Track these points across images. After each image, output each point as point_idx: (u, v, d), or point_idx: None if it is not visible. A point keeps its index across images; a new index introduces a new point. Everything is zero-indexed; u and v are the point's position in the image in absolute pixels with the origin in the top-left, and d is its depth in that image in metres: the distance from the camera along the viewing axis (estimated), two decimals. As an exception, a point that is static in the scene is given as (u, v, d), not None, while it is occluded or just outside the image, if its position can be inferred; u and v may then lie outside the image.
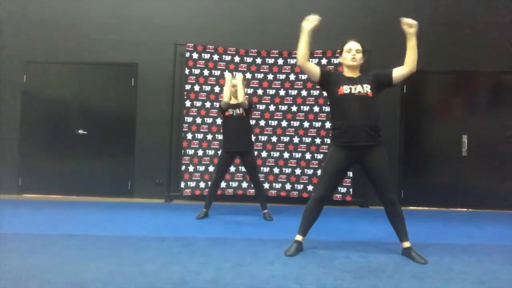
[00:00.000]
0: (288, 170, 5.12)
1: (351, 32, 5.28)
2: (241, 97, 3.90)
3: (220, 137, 4.69)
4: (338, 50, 4.98)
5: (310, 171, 5.08)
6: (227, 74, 4.12)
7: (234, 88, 4.00)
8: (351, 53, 2.85)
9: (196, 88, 5.15)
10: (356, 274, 2.44)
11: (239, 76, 4.03)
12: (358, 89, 2.77)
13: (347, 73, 2.88)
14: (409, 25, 2.84)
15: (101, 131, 5.37)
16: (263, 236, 3.38)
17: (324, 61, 5.11)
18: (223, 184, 4.98)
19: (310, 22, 2.89)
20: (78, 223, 3.70)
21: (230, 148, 3.98)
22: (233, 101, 4.03)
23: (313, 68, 2.86)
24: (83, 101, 5.38)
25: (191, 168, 5.08)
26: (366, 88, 2.78)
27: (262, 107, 5.18)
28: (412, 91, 5.29)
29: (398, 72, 2.88)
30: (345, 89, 2.78)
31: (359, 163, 2.85)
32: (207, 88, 5.16)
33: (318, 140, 5.11)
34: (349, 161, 2.83)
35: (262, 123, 5.17)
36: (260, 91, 5.19)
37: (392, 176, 2.84)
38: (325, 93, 4.99)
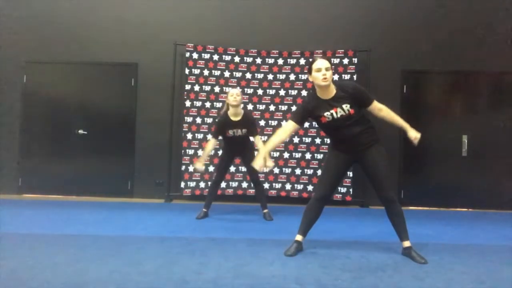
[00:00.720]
0: (288, 170, 5.12)
1: (351, 32, 5.31)
2: (203, 161, 3.85)
3: (219, 137, 4.67)
4: (340, 51, 5.06)
5: (310, 171, 5.08)
6: (197, 164, 3.87)
7: (233, 98, 3.74)
8: (321, 73, 2.66)
9: (196, 88, 5.15)
10: (356, 274, 2.44)
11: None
12: (339, 112, 2.69)
13: (322, 94, 2.73)
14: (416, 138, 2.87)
15: (101, 131, 5.37)
16: (263, 236, 3.38)
17: (324, 61, 5.10)
18: (223, 184, 4.97)
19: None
20: (78, 223, 3.70)
21: (231, 152, 4.04)
22: (233, 117, 3.83)
23: (291, 130, 2.81)
24: (83, 101, 5.38)
25: (191, 168, 5.08)
26: (346, 108, 2.68)
27: (262, 107, 5.18)
28: (412, 91, 5.29)
29: (376, 109, 2.79)
30: (327, 116, 2.71)
31: (358, 163, 2.87)
32: (207, 88, 5.16)
33: (318, 140, 5.11)
34: (348, 162, 2.87)
35: (262, 123, 5.17)
36: (260, 91, 5.19)
37: (391, 175, 2.84)
38: None
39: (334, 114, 2.70)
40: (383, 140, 2.89)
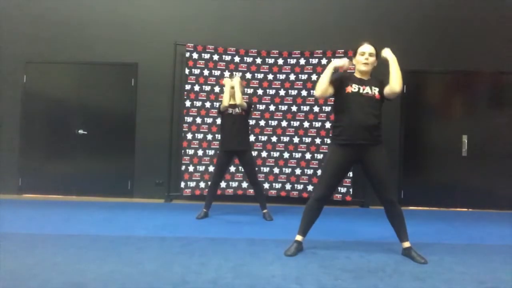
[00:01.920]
0: (288, 170, 5.12)
1: (351, 32, 5.30)
2: (239, 100, 3.93)
3: (219, 136, 4.68)
4: (340, 51, 5.06)
5: (310, 171, 5.08)
6: (226, 79, 4.13)
7: (233, 89, 4.02)
8: (364, 57, 2.84)
9: (196, 88, 5.15)
10: (356, 274, 2.44)
11: (237, 78, 4.06)
12: (366, 90, 2.79)
13: (358, 74, 2.89)
14: (382, 55, 2.85)
15: (101, 131, 5.37)
16: (263, 236, 3.38)
17: (324, 61, 5.11)
18: (223, 184, 4.98)
19: (340, 63, 2.85)
20: (78, 223, 3.70)
21: (227, 147, 4.00)
22: (232, 101, 4.05)
23: (330, 93, 2.86)
24: (83, 101, 5.38)
25: (191, 168, 5.08)
26: (374, 90, 2.80)
27: (262, 107, 5.18)
28: (412, 91, 5.29)
29: (386, 90, 2.83)
30: (354, 87, 2.79)
31: (359, 163, 2.86)
32: (207, 88, 5.16)
33: (318, 140, 5.11)
34: (349, 161, 2.84)
35: (262, 123, 5.17)
36: (260, 91, 5.19)
37: (391, 176, 2.84)
38: None
39: (361, 90, 2.79)
40: (383, 141, 2.88)
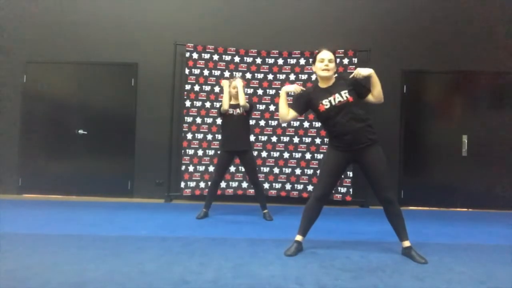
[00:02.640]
0: (288, 170, 5.12)
1: (351, 32, 5.31)
2: (243, 101, 3.91)
3: (220, 137, 4.68)
4: (340, 51, 5.06)
5: (310, 171, 5.08)
6: (224, 81, 4.08)
7: (234, 90, 4.00)
8: (324, 63, 2.80)
9: (196, 88, 5.15)
10: (356, 274, 2.44)
11: (239, 80, 4.04)
12: (337, 98, 2.75)
13: (322, 83, 2.87)
14: (362, 74, 2.78)
15: (101, 131, 5.37)
16: (263, 236, 3.38)
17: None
18: (223, 184, 4.98)
19: (289, 88, 2.93)
20: (78, 223, 3.70)
21: (229, 147, 3.99)
22: (233, 101, 4.04)
23: (293, 116, 2.91)
24: (83, 101, 5.38)
25: (191, 168, 5.08)
26: (345, 95, 2.76)
27: (262, 107, 5.18)
28: (412, 91, 5.29)
29: (369, 98, 2.86)
30: (325, 103, 2.77)
31: (357, 163, 2.86)
32: (207, 88, 5.16)
33: (318, 140, 5.11)
34: (346, 161, 2.85)
35: (262, 123, 5.17)
36: (260, 91, 5.19)
37: (389, 175, 2.83)
38: None
39: (332, 101, 2.76)
40: (383, 140, 2.89)
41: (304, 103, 2.89)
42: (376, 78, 2.80)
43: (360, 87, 2.84)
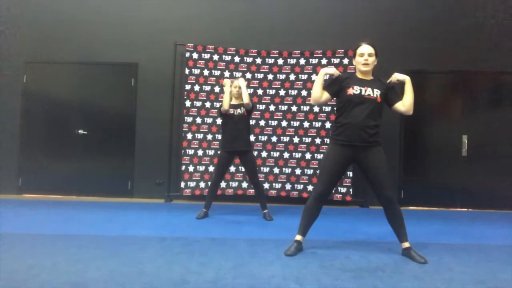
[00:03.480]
0: (288, 170, 5.12)
1: (351, 32, 5.30)
2: (246, 99, 3.91)
3: (220, 137, 4.69)
4: (340, 51, 5.06)
5: (310, 171, 5.08)
6: (226, 80, 4.10)
7: (236, 89, 4.00)
8: (363, 58, 2.82)
9: (196, 88, 5.15)
10: (356, 274, 2.44)
11: (242, 79, 4.05)
12: (368, 91, 2.78)
13: (359, 75, 2.89)
14: (397, 78, 2.86)
15: (101, 131, 5.37)
16: (263, 236, 3.38)
17: (324, 61, 5.11)
18: (223, 184, 4.97)
19: (329, 71, 2.90)
20: (78, 223, 3.70)
21: (229, 147, 3.99)
22: (234, 101, 4.04)
23: (326, 98, 2.89)
24: (83, 101, 5.38)
25: (191, 168, 5.08)
26: (376, 93, 2.79)
27: (262, 107, 5.18)
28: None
29: (398, 106, 2.88)
30: (355, 89, 2.78)
31: (357, 163, 2.86)
32: (207, 88, 5.16)
33: (318, 140, 5.11)
34: (347, 160, 2.84)
35: (262, 123, 5.17)
36: (260, 91, 5.19)
37: (389, 175, 2.84)
38: None
39: (363, 91, 2.77)
40: (383, 140, 2.89)
41: (339, 85, 2.86)
42: (411, 87, 2.84)
43: (393, 94, 2.87)
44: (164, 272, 2.39)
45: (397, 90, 2.92)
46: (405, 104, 2.85)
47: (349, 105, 2.78)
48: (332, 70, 2.91)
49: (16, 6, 5.44)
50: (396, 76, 2.87)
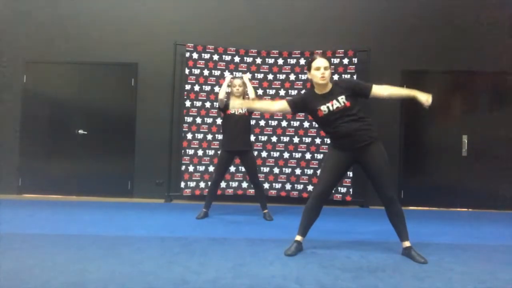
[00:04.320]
0: (288, 170, 5.12)
1: (351, 32, 5.31)
2: (252, 94, 3.97)
3: (220, 137, 4.68)
4: (340, 51, 5.06)
5: (310, 171, 5.08)
6: (227, 76, 4.12)
7: (236, 88, 3.97)
8: (320, 71, 2.78)
9: (196, 88, 5.15)
10: (356, 274, 2.44)
11: (246, 76, 4.10)
12: (335, 104, 2.75)
13: (318, 90, 2.85)
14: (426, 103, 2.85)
15: (101, 131, 5.37)
16: (263, 236, 3.38)
17: (324, 61, 5.10)
18: (223, 184, 4.97)
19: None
20: (78, 223, 3.70)
21: (230, 147, 3.99)
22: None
23: (281, 107, 2.93)
24: (83, 101, 5.38)
25: (191, 168, 5.08)
26: (342, 100, 2.75)
27: (262, 107, 5.18)
28: (412, 91, 5.28)
29: (378, 91, 2.82)
30: (323, 109, 2.78)
31: (358, 163, 2.86)
32: (207, 88, 5.16)
33: (318, 140, 5.11)
34: (348, 161, 2.85)
35: (262, 123, 5.17)
36: (260, 91, 5.18)
37: (391, 174, 2.84)
38: None
39: (330, 107, 2.76)
40: (383, 140, 2.88)
41: (301, 104, 2.90)
42: (407, 93, 2.90)
43: (359, 88, 2.82)
44: (164, 272, 2.39)
45: (359, 84, 2.86)
46: (391, 93, 2.85)
47: (327, 124, 2.81)
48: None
49: (16, 6, 5.44)
50: (425, 98, 2.85)
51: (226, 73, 5.14)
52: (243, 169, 4.90)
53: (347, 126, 2.73)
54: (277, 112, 3.01)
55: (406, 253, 2.82)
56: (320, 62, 2.81)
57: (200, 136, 5.13)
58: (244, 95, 3.99)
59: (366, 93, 2.81)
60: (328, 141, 4.87)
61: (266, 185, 5.07)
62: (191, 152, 5.10)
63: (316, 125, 5.08)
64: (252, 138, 4.95)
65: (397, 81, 5.25)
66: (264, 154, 5.15)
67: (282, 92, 5.17)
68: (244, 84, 4.01)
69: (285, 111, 2.98)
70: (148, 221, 3.88)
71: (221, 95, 3.95)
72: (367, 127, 2.78)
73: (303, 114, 5.11)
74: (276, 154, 5.15)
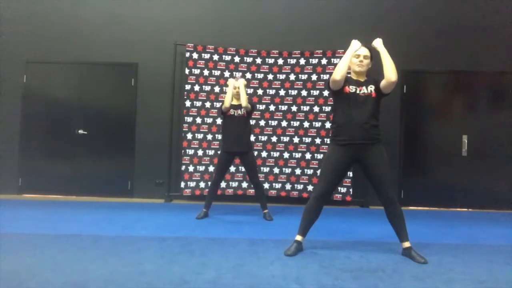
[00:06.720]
0: (288, 170, 5.12)
1: (351, 32, 5.30)
2: (245, 102, 3.92)
3: (220, 137, 4.68)
4: (340, 51, 5.06)
5: (310, 171, 5.08)
6: (230, 79, 4.11)
7: (235, 90, 4.00)
8: (359, 59, 2.87)
9: (196, 88, 5.15)
10: (356, 274, 2.44)
11: (242, 80, 4.05)
12: (363, 90, 2.82)
13: (354, 76, 2.92)
14: (373, 45, 2.92)
15: (101, 131, 5.36)
16: (263, 236, 3.38)
17: (324, 61, 5.11)
18: (223, 184, 4.97)
19: (358, 46, 2.93)
20: (78, 223, 3.70)
21: (230, 148, 3.99)
22: (234, 102, 4.04)
23: (344, 76, 2.85)
24: (83, 101, 5.38)
25: (191, 168, 5.08)
26: (370, 88, 2.83)
27: (262, 107, 5.18)
28: (412, 91, 5.29)
29: (383, 83, 2.81)
30: (351, 88, 2.83)
31: (358, 163, 2.86)
32: (207, 88, 5.16)
33: (318, 140, 5.11)
34: (348, 160, 2.84)
35: (262, 123, 5.17)
36: (260, 91, 5.19)
37: (391, 175, 2.84)
38: (325, 93, 4.98)
39: (358, 90, 2.82)
40: (383, 140, 2.88)
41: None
42: (386, 53, 2.85)
43: (379, 80, 2.86)
44: (164, 272, 2.39)
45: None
46: (384, 73, 2.79)
47: (346, 103, 2.81)
48: (358, 45, 2.92)
49: (16, 7, 5.43)
50: (376, 43, 2.93)
51: (226, 73, 5.14)
52: (243, 169, 4.89)
53: (362, 116, 2.76)
54: (341, 80, 2.78)
55: (406, 253, 2.82)
56: (361, 50, 2.90)
57: (200, 136, 5.13)
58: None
59: (379, 88, 2.81)
60: (328, 141, 4.90)
61: (266, 185, 5.07)
62: (191, 152, 5.10)
63: (316, 125, 5.10)
64: (252, 138, 4.95)
65: (397, 81, 5.26)
66: (264, 154, 5.15)
67: (282, 92, 5.17)
68: (244, 86, 4.02)
69: (340, 83, 2.80)
70: (148, 221, 3.88)
71: (227, 104, 3.94)
72: (377, 128, 2.82)
73: (303, 114, 5.11)
74: (276, 154, 5.15)
